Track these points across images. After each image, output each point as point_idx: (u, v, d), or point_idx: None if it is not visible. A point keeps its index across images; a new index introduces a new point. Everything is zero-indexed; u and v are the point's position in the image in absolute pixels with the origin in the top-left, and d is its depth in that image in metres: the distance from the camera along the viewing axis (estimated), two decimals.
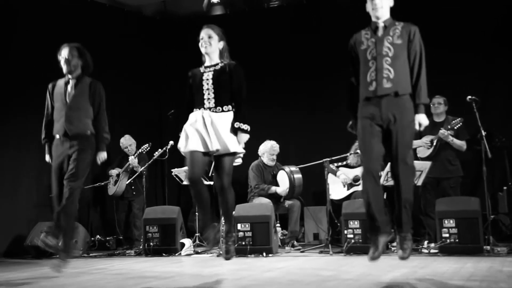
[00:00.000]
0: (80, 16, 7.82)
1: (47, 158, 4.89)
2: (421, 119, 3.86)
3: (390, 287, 3.55)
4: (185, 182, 7.24)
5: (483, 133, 5.80)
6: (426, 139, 6.19)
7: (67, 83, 4.81)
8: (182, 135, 4.16)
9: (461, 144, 6.19)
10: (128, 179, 7.30)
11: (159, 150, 7.18)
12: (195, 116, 4.15)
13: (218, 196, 4.22)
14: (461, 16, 7.47)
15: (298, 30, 8.51)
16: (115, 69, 8.20)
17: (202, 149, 4.03)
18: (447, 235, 5.44)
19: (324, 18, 8.38)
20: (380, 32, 3.91)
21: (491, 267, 4.41)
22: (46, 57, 7.30)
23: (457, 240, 5.40)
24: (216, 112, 4.10)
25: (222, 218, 4.27)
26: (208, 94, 4.15)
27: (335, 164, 7.01)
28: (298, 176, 6.94)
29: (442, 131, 6.08)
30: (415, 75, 3.85)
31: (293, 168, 6.96)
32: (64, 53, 4.80)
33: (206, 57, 4.30)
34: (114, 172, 7.43)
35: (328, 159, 6.40)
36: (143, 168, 7.07)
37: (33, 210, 7.20)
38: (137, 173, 7.13)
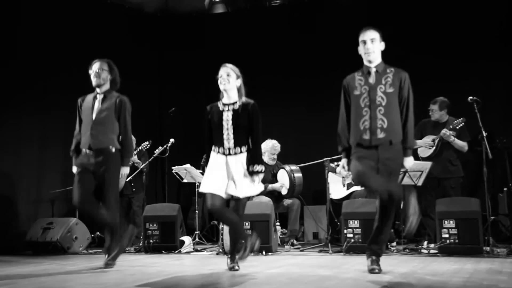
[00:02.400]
0: (81, 12, 7.82)
1: (74, 169, 4.98)
2: (407, 163, 4.13)
3: (389, 287, 3.56)
4: (185, 180, 7.25)
5: (484, 134, 5.80)
6: (428, 139, 6.19)
7: (95, 98, 4.94)
8: (205, 178, 4.40)
9: (462, 145, 6.19)
10: (128, 176, 7.29)
11: (160, 147, 7.18)
12: (216, 160, 4.38)
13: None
14: (461, 22, 7.49)
15: (299, 28, 8.51)
16: (116, 66, 8.18)
17: (222, 195, 4.30)
18: (447, 235, 5.44)
19: (325, 17, 8.38)
20: (372, 79, 4.08)
21: (491, 268, 4.41)
22: (46, 55, 7.37)
23: (457, 241, 5.40)
24: (235, 154, 4.34)
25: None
26: (228, 134, 4.37)
27: (335, 163, 7.00)
28: (299, 175, 6.94)
29: (444, 131, 6.08)
30: (403, 120, 4.08)
31: (293, 167, 6.96)
32: (95, 67, 4.94)
33: (224, 94, 4.47)
34: None
35: (329, 158, 6.40)
36: (143, 165, 7.07)
37: (33, 206, 7.20)
38: (138, 170, 7.13)
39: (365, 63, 4.14)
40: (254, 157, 4.36)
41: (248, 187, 4.34)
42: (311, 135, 8.20)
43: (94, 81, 4.91)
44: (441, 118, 6.32)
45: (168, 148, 7.18)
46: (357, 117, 4.08)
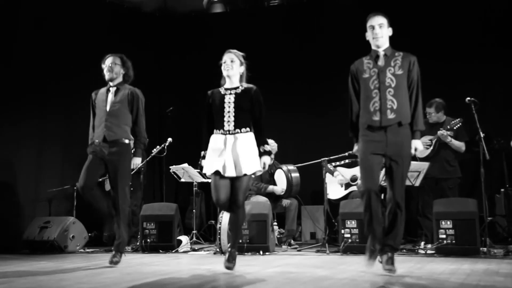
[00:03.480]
0: (79, 12, 7.82)
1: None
2: (417, 145, 4.11)
3: (386, 287, 3.56)
4: (183, 180, 7.24)
5: (482, 134, 5.81)
6: (425, 139, 6.20)
7: (108, 91, 5.03)
8: (206, 160, 4.42)
9: (459, 145, 6.20)
10: None
11: (158, 147, 7.18)
12: (216, 140, 4.39)
13: (230, 213, 4.52)
14: (459, 25, 7.51)
15: (298, 29, 8.51)
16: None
17: (221, 170, 4.31)
18: (444, 236, 5.45)
19: (324, 18, 8.39)
20: (381, 62, 4.09)
21: (488, 268, 4.42)
22: (44, 56, 7.35)
23: (454, 242, 5.42)
24: (234, 133, 4.35)
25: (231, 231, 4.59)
26: (229, 116, 4.39)
27: (333, 164, 7.02)
28: (296, 175, 6.95)
29: (441, 131, 6.09)
30: (412, 103, 4.09)
31: (291, 167, 6.97)
32: (108, 61, 5.03)
33: (227, 79, 4.50)
34: None
35: (326, 158, 6.40)
36: (141, 164, 7.05)
37: (30, 205, 7.19)
38: (135, 169, 7.11)
39: (373, 47, 4.16)
40: (260, 140, 4.39)
41: (246, 166, 4.30)
42: (309, 135, 8.21)
43: (107, 75, 5.01)
44: (439, 119, 6.33)
45: (166, 147, 7.18)
46: (366, 99, 4.09)
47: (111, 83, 5.04)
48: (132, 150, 5.13)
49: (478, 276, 3.99)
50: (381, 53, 4.11)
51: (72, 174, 6.78)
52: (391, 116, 4.00)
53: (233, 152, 4.31)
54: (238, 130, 4.36)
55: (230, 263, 4.41)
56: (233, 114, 4.37)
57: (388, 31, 4.16)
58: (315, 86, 8.30)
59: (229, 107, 4.38)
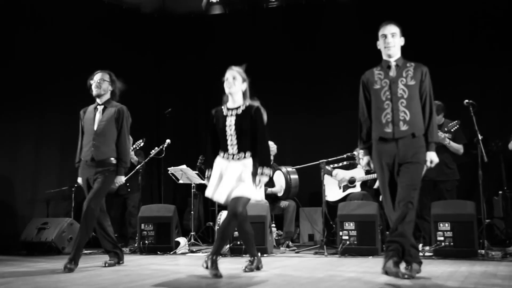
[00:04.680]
0: (78, 12, 7.81)
1: (79, 180, 5.09)
2: (433, 157, 4.05)
3: None
4: (181, 181, 7.24)
5: (480, 137, 5.81)
6: None
7: (95, 109, 5.04)
8: (210, 182, 4.41)
9: (458, 147, 6.20)
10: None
11: (156, 148, 7.17)
12: (219, 165, 4.38)
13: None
14: (458, 28, 7.53)
15: (296, 31, 8.52)
16: (113, 66, 8.17)
17: (223, 201, 4.33)
18: (442, 238, 5.45)
19: (323, 20, 8.39)
20: (393, 72, 4.04)
21: (485, 271, 4.42)
22: (43, 57, 7.34)
23: (451, 244, 5.41)
24: (239, 159, 4.32)
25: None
26: (231, 140, 4.37)
27: (331, 166, 7.02)
28: (295, 176, 6.95)
29: (439, 133, 6.09)
30: (427, 115, 4.02)
31: (289, 169, 6.97)
32: (96, 77, 5.03)
33: (229, 97, 4.47)
34: None
35: (325, 160, 6.40)
36: (139, 165, 7.06)
37: (27, 206, 7.18)
38: (135, 169, 7.11)
39: (385, 57, 4.11)
40: (260, 160, 4.33)
41: (247, 189, 4.27)
42: (307, 137, 8.21)
43: (94, 91, 5.01)
44: (438, 121, 6.33)
45: (164, 149, 7.17)
46: (378, 111, 4.04)
47: (98, 101, 5.05)
48: None
49: (476, 278, 3.99)
50: (393, 63, 4.06)
51: (70, 175, 6.77)
52: (404, 127, 3.96)
53: (233, 176, 4.28)
54: (243, 154, 4.33)
55: (217, 270, 4.14)
56: (235, 137, 4.35)
57: (400, 41, 4.11)
58: (314, 88, 8.30)
59: (230, 130, 4.37)
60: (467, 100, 5.90)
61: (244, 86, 4.46)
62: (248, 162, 4.33)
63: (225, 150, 4.38)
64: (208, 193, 4.40)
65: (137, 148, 7.26)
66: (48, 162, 7.61)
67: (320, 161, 6.38)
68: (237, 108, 4.42)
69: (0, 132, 7.08)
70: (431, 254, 5.54)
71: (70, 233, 6.66)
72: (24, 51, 7.21)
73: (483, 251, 5.43)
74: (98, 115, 5.01)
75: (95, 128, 4.96)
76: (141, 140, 7.25)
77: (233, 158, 4.34)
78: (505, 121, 7.18)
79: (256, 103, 4.43)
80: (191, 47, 9.01)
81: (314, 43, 8.35)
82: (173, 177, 7.27)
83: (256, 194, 4.35)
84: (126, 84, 7.17)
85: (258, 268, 4.56)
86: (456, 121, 6.11)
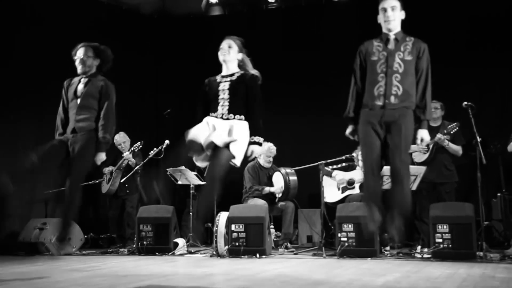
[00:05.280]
0: (77, 12, 7.80)
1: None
2: (424, 135, 3.99)
3: None
4: (180, 182, 7.24)
5: (478, 139, 5.81)
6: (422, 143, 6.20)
7: (79, 82, 4.82)
8: (195, 128, 4.17)
9: (457, 149, 6.21)
10: (122, 178, 7.28)
11: (155, 149, 7.17)
12: (208, 120, 4.14)
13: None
14: (456, 28, 7.53)
15: (296, 32, 8.52)
16: (112, 66, 8.16)
17: (202, 141, 4.06)
18: (440, 240, 5.45)
19: (322, 21, 8.40)
20: (391, 46, 3.99)
21: (484, 273, 4.42)
22: (42, 58, 7.32)
23: (450, 246, 5.41)
24: (228, 119, 4.09)
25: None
26: (223, 102, 4.17)
27: (330, 167, 7.02)
28: (294, 178, 6.95)
29: (439, 135, 6.10)
30: (420, 91, 3.96)
31: (288, 170, 6.97)
32: (79, 53, 4.79)
33: (223, 66, 4.31)
34: (107, 170, 7.41)
35: (324, 161, 6.40)
36: (138, 166, 7.06)
37: (26, 206, 7.16)
38: (132, 171, 7.11)
39: (384, 30, 4.04)
40: (253, 128, 4.12)
41: (238, 152, 3.98)
42: (307, 138, 8.21)
43: (79, 68, 4.76)
44: (435, 122, 6.35)
45: (163, 149, 7.17)
46: (372, 82, 3.98)
47: (84, 76, 4.79)
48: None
49: (474, 280, 4.00)
50: (392, 36, 4.00)
51: None
52: (394, 101, 3.90)
53: (224, 129, 4.02)
54: (232, 115, 4.11)
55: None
56: (228, 100, 4.15)
57: (401, 14, 4.04)
58: (313, 89, 8.30)
59: (223, 94, 4.18)
60: (466, 102, 5.90)
61: (240, 55, 4.31)
62: (235, 122, 4.06)
63: (214, 111, 4.16)
64: (195, 136, 4.11)
65: (136, 150, 7.26)
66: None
67: (319, 162, 6.38)
68: (231, 75, 4.25)
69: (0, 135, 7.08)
70: (429, 256, 5.54)
71: (69, 233, 6.64)
72: (24, 51, 7.19)
73: (481, 253, 5.43)
74: (81, 87, 4.74)
75: (78, 102, 4.69)
76: (139, 143, 7.25)
77: (222, 117, 4.11)
78: (504, 123, 7.18)
79: (254, 71, 4.27)
80: (191, 48, 9.01)
81: (314, 44, 8.35)
82: (172, 178, 7.27)
83: (238, 158, 4.02)
84: (126, 85, 7.21)
85: None
86: (455, 123, 6.12)
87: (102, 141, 4.71)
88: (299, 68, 8.37)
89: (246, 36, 9.12)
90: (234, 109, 4.13)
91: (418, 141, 4.00)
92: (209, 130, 4.07)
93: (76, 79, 4.86)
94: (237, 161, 4.03)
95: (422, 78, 3.96)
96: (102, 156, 4.76)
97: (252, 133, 4.10)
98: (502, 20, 7.37)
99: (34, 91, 7.42)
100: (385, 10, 4.02)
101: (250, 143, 4.07)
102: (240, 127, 4.07)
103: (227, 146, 3.97)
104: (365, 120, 3.99)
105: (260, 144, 4.12)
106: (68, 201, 4.59)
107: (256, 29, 8.67)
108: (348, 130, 4.18)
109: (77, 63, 4.77)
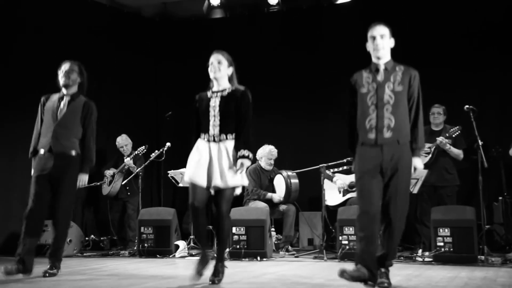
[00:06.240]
0: (79, 15, 7.81)
1: (32, 172, 4.74)
2: (417, 164, 3.92)
3: None
4: (181, 184, 7.24)
5: (480, 142, 5.81)
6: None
7: (60, 99, 4.75)
8: (188, 164, 4.15)
9: (458, 152, 6.21)
10: (123, 180, 7.28)
11: (156, 151, 7.17)
12: (201, 146, 4.14)
13: (215, 223, 4.21)
14: (458, 32, 7.53)
15: (297, 35, 8.52)
16: (114, 69, 8.20)
17: (204, 184, 4.05)
18: (441, 243, 5.45)
19: (323, 25, 8.39)
20: (380, 77, 3.90)
21: (485, 277, 4.41)
22: (42, 61, 7.31)
23: (451, 249, 5.41)
24: (220, 140, 4.09)
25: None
26: (214, 121, 4.13)
27: (331, 170, 7.01)
28: (295, 181, 6.95)
29: (440, 139, 6.10)
30: (412, 120, 3.90)
31: (290, 173, 6.97)
32: (64, 67, 4.77)
33: (214, 82, 4.27)
34: (109, 172, 7.41)
35: (325, 164, 6.40)
36: (139, 169, 7.06)
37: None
38: (133, 174, 7.11)
39: (374, 60, 3.96)
40: (242, 142, 4.06)
41: (232, 177, 4.03)
42: (308, 141, 8.20)
43: (62, 80, 4.72)
44: (438, 127, 6.34)
45: (164, 152, 7.17)
46: (363, 115, 3.90)
47: (64, 91, 4.75)
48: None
49: (475, 284, 3.99)
50: (381, 67, 3.92)
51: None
52: (387, 134, 3.80)
53: (218, 162, 4.04)
54: (224, 136, 4.09)
55: (216, 276, 4.09)
56: (218, 118, 4.11)
57: (390, 42, 3.96)
58: (314, 92, 8.29)
59: (214, 111, 4.14)
60: (467, 106, 5.90)
61: (230, 70, 4.25)
62: (229, 144, 4.07)
63: (206, 131, 4.14)
64: (190, 177, 4.09)
65: (139, 154, 7.25)
66: None
67: (320, 165, 6.37)
68: (222, 91, 4.21)
69: (1, 133, 7.06)
70: (430, 259, 5.54)
71: (70, 235, 6.62)
72: (24, 54, 7.18)
73: (483, 257, 5.42)
74: (62, 106, 4.70)
75: (58, 118, 4.65)
76: (143, 147, 7.24)
77: (214, 140, 4.08)
78: (506, 127, 7.18)
79: (243, 87, 4.23)
80: (192, 51, 9.00)
81: (315, 48, 8.35)
82: (173, 180, 7.27)
83: (239, 179, 4.06)
84: (127, 87, 7.18)
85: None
86: (457, 127, 6.12)
87: (88, 163, 4.71)
88: (300, 72, 8.37)
89: (247, 39, 9.21)
90: (225, 129, 4.12)
91: (412, 170, 3.90)
92: (202, 164, 4.06)
93: (55, 96, 4.81)
94: (239, 190, 4.16)
95: (414, 106, 3.89)
96: (85, 178, 4.73)
97: (241, 147, 4.06)
98: (503, 23, 7.37)
99: (35, 93, 7.34)
100: (374, 38, 3.92)
101: (239, 157, 4.03)
102: (233, 150, 4.08)
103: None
104: (361, 167, 3.87)
105: (249, 158, 4.07)
106: (61, 231, 4.65)
107: (257, 32, 8.68)
108: (353, 164, 4.07)
109: (60, 76, 4.75)
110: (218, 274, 4.10)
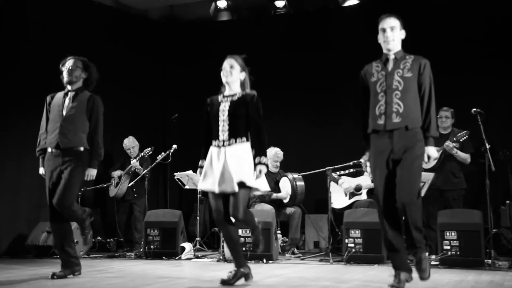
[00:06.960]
0: (86, 18, 7.85)
1: (41, 171, 4.80)
2: (430, 152, 3.88)
3: None
4: (187, 186, 7.25)
5: (487, 146, 5.79)
6: None
7: (65, 95, 4.74)
8: (202, 174, 4.23)
9: (465, 157, 6.18)
10: (130, 182, 7.30)
11: (162, 153, 7.19)
12: (212, 155, 4.19)
13: (228, 227, 4.23)
14: (464, 37, 7.51)
15: (303, 38, 8.53)
16: (120, 71, 8.22)
17: (216, 190, 4.08)
18: (448, 247, 5.42)
19: (330, 27, 8.39)
20: (390, 65, 3.93)
21: (492, 281, 4.40)
22: (49, 63, 7.32)
23: (458, 253, 5.38)
24: (230, 145, 4.11)
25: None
26: (223, 125, 4.16)
27: (338, 173, 7.00)
28: (301, 183, 6.95)
29: (448, 143, 6.08)
30: (424, 108, 3.88)
31: (296, 176, 6.97)
32: (68, 64, 4.74)
33: (226, 86, 4.28)
34: (116, 174, 7.44)
35: (331, 167, 6.39)
36: (146, 170, 7.07)
37: (34, 209, 7.20)
38: (140, 176, 7.12)
39: (384, 51, 3.98)
40: (258, 148, 4.10)
41: (249, 177, 4.05)
42: (314, 144, 8.20)
43: (65, 77, 4.71)
44: (445, 130, 6.32)
45: (170, 154, 7.19)
46: (373, 103, 3.91)
47: (69, 87, 4.71)
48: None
49: None
50: (391, 56, 3.95)
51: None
52: (396, 119, 3.81)
53: (227, 166, 4.05)
54: (233, 140, 4.12)
55: (232, 279, 4.13)
56: (227, 122, 4.14)
57: (401, 34, 3.99)
58: (320, 95, 8.29)
59: (223, 115, 4.17)
60: (474, 109, 5.88)
61: (243, 75, 4.26)
62: (239, 148, 4.10)
63: (216, 137, 4.17)
64: (202, 185, 4.19)
65: (146, 155, 7.27)
66: None
67: (327, 168, 6.37)
68: (232, 95, 4.23)
69: (7, 137, 7.10)
70: (437, 263, 5.51)
71: (77, 237, 6.63)
72: (32, 57, 7.21)
73: (489, 261, 5.40)
74: (67, 102, 4.68)
75: (64, 114, 4.64)
76: (149, 149, 7.26)
77: (223, 144, 4.11)
78: None
79: (254, 92, 4.24)
80: (198, 53, 9.03)
81: (322, 51, 8.35)
82: (179, 182, 7.28)
83: (258, 182, 4.11)
84: (134, 89, 7.17)
85: (244, 276, 4.21)
86: (465, 131, 6.09)
87: (97, 157, 4.71)
88: (307, 74, 8.37)
89: (254, 42, 9.20)
90: (234, 133, 4.14)
91: (426, 159, 3.89)
92: (214, 171, 4.11)
93: (60, 94, 4.80)
94: (259, 186, 4.15)
95: (426, 94, 3.88)
96: (93, 172, 4.73)
97: (257, 153, 4.11)
98: (509, 27, 7.34)
99: (41, 96, 7.39)
100: (384, 30, 3.95)
101: (256, 164, 4.07)
102: (242, 153, 4.11)
103: (241, 183, 4.04)
104: (376, 150, 3.89)
105: (266, 164, 4.12)
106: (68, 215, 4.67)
107: (263, 35, 8.69)
108: (365, 157, 4.06)
109: (64, 73, 4.74)
110: (233, 278, 4.14)
